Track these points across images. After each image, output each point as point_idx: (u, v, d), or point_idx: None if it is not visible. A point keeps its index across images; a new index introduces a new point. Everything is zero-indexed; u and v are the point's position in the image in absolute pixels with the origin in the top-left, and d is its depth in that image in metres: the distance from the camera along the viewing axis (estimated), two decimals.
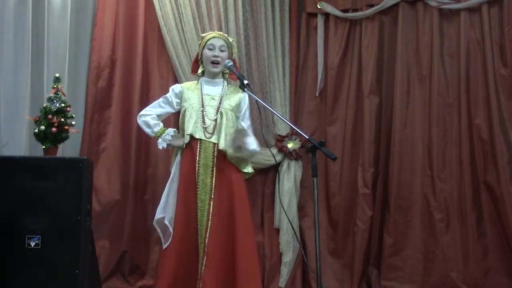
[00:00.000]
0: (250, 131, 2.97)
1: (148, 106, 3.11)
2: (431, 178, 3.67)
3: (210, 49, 2.98)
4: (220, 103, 2.96)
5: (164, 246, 2.86)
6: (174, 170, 2.97)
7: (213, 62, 2.98)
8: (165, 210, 2.90)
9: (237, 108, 3.01)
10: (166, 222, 2.86)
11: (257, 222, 3.81)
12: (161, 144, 2.96)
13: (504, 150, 3.58)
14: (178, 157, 2.98)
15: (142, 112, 3.06)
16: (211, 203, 2.84)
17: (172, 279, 2.79)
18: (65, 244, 2.50)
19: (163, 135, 2.96)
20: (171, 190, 2.94)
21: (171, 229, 2.84)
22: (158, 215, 2.91)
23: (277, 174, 3.71)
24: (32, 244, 2.48)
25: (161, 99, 3.08)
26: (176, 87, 3.09)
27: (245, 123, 3.02)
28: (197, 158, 2.89)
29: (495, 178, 3.58)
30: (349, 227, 3.82)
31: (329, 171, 3.89)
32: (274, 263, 3.76)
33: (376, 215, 3.78)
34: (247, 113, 3.04)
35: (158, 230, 2.92)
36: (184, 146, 2.93)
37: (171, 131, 2.98)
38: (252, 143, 2.87)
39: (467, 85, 3.71)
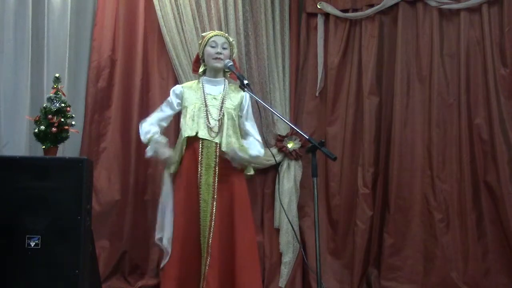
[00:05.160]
0: (255, 131, 2.95)
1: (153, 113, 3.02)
2: (431, 178, 3.68)
3: (213, 47, 2.96)
4: (222, 102, 2.95)
5: (162, 265, 2.80)
6: (167, 184, 2.85)
7: (215, 58, 2.96)
8: (162, 229, 2.82)
9: (239, 107, 3.00)
10: (165, 242, 2.79)
11: (257, 222, 3.81)
12: (149, 152, 2.81)
13: (504, 150, 3.58)
14: (168, 178, 2.86)
15: (145, 119, 2.96)
16: (214, 203, 2.83)
17: (177, 280, 2.78)
18: (65, 244, 2.49)
19: (151, 142, 2.80)
20: (166, 208, 2.83)
21: (169, 250, 2.77)
22: (157, 234, 2.83)
23: (277, 174, 3.70)
24: (32, 244, 2.48)
25: (163, 103, 3.01)
26: (176, 88, 3.05)
27: (249, 123, 2.99)
28: (199, 158, 2.87)
29: (495, 178, 3.58)
30: (349, 227, 3.82)
31: (329, 171, 3.88)
32: (274, 263, 3.76)
33: (376, 215, 3.78)
34: (250, 112, 3.01)
35: (161, 247, 2.85)
36: (180, 152, 2.85)
37: (158, 138, 2.79)
38: (253, 148, 2.84)
39: (467, 85, 3.71)
